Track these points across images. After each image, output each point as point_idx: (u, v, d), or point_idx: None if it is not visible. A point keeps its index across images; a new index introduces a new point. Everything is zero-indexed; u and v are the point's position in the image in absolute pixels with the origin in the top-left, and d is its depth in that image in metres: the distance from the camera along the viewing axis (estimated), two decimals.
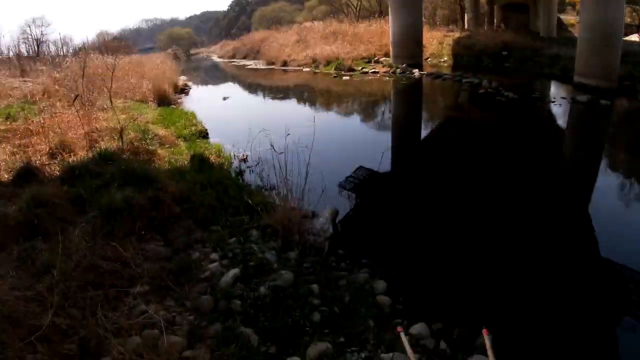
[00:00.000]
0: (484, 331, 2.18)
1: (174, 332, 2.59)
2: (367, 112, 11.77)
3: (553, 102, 12.87)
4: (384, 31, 21.40)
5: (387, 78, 16.57)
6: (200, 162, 6.23)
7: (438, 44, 22.31)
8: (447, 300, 3.42)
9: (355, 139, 9.11)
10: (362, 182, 6.40)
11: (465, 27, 26.33)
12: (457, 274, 3.92)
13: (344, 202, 5.63)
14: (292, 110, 11.64)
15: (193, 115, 10.02)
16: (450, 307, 3.30)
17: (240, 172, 6.47)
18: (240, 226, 4.29)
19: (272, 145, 4.94)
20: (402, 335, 2.31)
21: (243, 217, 4.46)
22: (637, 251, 4.55)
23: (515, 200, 5.73)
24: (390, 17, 19.76)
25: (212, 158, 6.67)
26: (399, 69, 17.25)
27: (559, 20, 37.36)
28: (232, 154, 7.10)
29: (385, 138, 9.45)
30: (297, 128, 6.48)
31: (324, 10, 46.55)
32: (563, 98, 13.09)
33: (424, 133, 9.89)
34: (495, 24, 37.12)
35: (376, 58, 19.90)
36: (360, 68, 17.78)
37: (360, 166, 6.66)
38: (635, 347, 3.27)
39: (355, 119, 11.07)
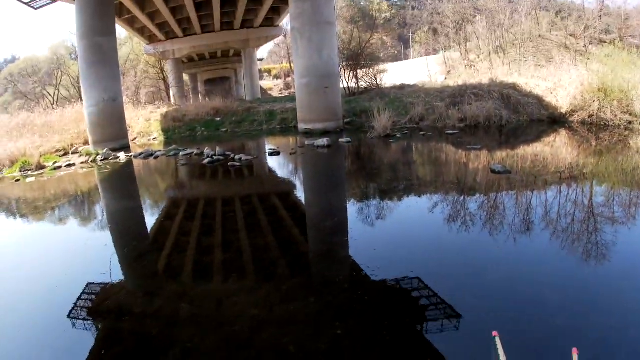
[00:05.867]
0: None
1: None
2: (62, 222, 8.72)
3: (293, 153, 13.20)
4: (81, 116, 19.28)
5: (86, 170, 14.35)
6: None
7: (145, 121, 21.66)
8: None
9: (63, 263, 6.34)
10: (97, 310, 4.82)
11: (172, 102, 27.70)
12: None
13: None
14: None
15: None
16: None
17: None
18: None
19: None
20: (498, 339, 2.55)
21: None
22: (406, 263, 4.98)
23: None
24: (83, 96, 17.84)
25: None
26: (99, 156, 15.64)
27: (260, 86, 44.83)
28: None
29: (105, 240, 7.13)
30: None
31: (18, 106, 40.92)
32: (301, 147, 13.59)
33: (150, 220, 8.35)
34: (200, 97, 40.86)
35: (74, 148, 17.55)
36: (52, 163, 14.96)
37: (89, 283, 5.43)
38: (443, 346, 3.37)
39: (42, 240, 7.69)
